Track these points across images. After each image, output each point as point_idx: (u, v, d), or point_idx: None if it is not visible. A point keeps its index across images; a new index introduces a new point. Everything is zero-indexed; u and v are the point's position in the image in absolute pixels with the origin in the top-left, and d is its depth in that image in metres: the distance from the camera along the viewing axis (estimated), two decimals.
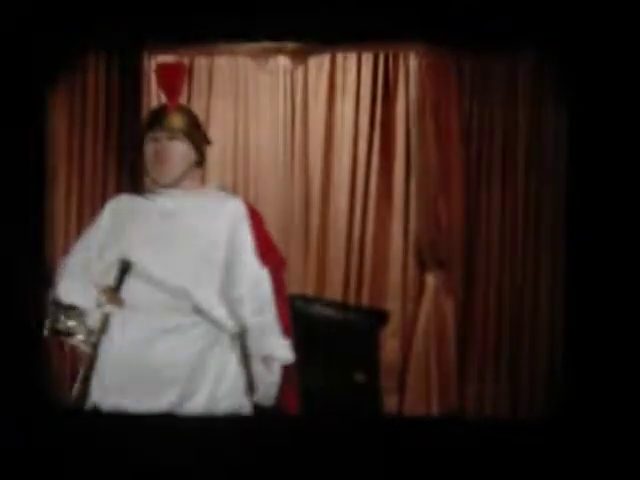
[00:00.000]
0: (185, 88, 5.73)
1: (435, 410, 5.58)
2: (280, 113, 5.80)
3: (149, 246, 3.49)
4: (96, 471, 4.33)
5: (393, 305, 5.68)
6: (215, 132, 5.82)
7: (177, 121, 3.54)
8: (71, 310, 3.53)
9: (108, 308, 3.44)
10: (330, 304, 5.64)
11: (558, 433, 5.03)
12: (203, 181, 5.76)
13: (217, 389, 3.52)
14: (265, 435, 4.70)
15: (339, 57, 5.77)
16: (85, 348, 3.52)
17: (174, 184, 3.54)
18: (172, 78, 3.65)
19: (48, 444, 4.34)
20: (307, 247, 5.82)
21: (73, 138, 5.78)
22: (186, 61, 5.73)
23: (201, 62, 5.77)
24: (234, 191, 5.82)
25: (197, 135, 3.61)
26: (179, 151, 3.54)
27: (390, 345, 5.62)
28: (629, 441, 4.74)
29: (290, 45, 5.72)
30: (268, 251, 3.53)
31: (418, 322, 5.67)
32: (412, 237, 5.73)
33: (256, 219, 3.56)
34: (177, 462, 4.38)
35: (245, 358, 3.51)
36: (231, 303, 3.48)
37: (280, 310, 3.55)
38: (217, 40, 5.63)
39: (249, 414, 3.73)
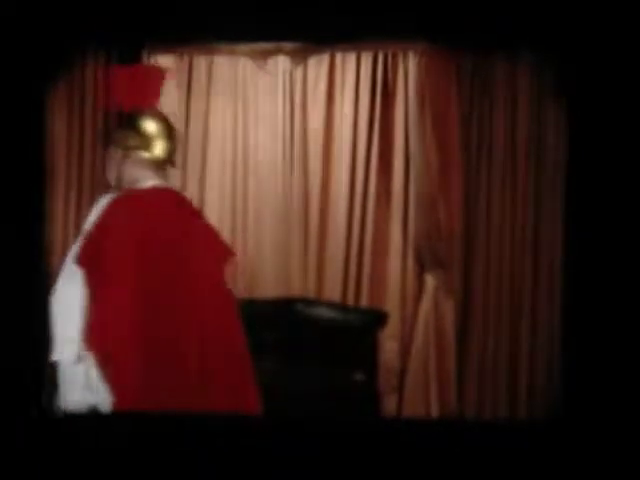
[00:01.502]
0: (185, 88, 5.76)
1: (434, 411, 5.58)
2: (279, 113, 5.79)
3: None
4: (95, 471, 4.31)
5: (392, 306, 5.67)
6: (214, 132, 5.82)
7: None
8: None
9: None
10: (329, 305, 5.63)
11: (557, 435, 5.03)
12: (202, 182, 5.80)
13: None
14: (265, 435, 4.70)
15: (338, 57, 5.76)
16: None
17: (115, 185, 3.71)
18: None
19: (46, 446, 4.33)
20: (306, 248, 5.81)
21: (72, 138, 5.78)
22: (185, 61, 5.73)
23: (200, 62, 5.77)
24: (233, 192, 5.86)
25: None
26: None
27: (389, 346, 5.62)
28: (628, 442, 4.73)
29: (289, 45, 5.72)
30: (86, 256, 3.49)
31: (417, 323, 5.66)
32: (411, 237, 5.72)
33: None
34: (176, 462, 4.38)
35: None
36: None
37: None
38: (216, 40, 5.63)
39: (248, 415, 3.72)
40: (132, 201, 3.60)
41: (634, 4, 5.11)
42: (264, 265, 5.79)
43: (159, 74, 3.94)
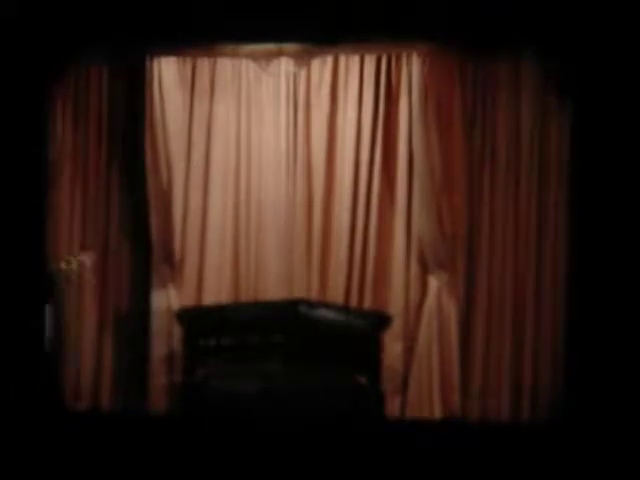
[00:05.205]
0: (188, 90, 5.75)
1: (437, 412, 5.57)
2: (282, 115, 5.79)
3: None
4: (99, 471, 4.33)
5: (396, 308, 5.66)
6: (217, 134, 5.81)
7: None
8: None
9: None
10: (333, 307, 5.63)
11: (560, 436, 5.02)
12: (206, 183, 5.80)
13: None
14: (268, 435, 4.70)
15: (342, 59, 5.76)
16: None
17: None
18: None
19: (51, 443, 4.34)
20: (310, 249, 5.80)
21: (77, 138, 5.79)
22: (189, 63, 5.73)
23: (203, 64, 5.76)
24: (237, 193, 5.86)
25: None
26: None
27: (393, 348, 5.61)
28: (630, 442, 4.73)
29: (293, 47, 5.71)
30: None
31: (421, 324, 5.66)
32: (414, 239, 5.71)
33: None
34: (177, 462, 4.39)
35: None
36: None
37: None
38: (219, 42, 5.62)
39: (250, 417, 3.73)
40: None
41: (635, 3, 5.11)
42: (268, 267, 5.78)
43: None
